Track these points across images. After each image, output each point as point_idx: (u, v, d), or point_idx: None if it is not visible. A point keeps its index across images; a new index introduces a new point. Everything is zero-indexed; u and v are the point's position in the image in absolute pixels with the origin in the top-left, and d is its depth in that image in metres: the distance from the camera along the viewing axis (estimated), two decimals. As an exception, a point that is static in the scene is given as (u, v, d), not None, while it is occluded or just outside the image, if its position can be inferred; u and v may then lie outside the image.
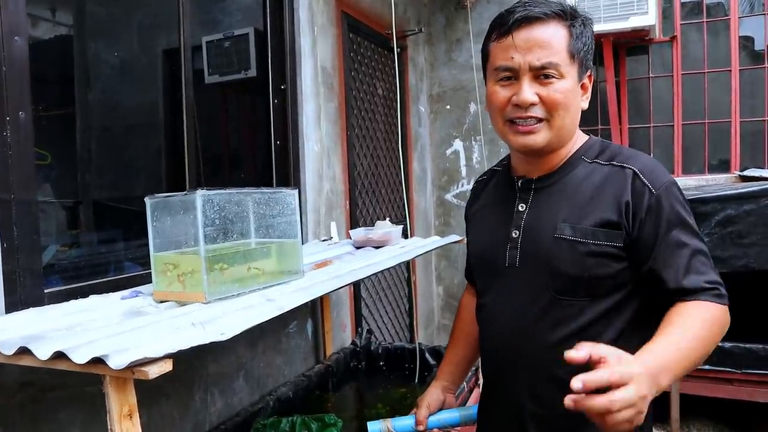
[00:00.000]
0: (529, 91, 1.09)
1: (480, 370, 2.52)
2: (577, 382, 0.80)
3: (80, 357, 0.88)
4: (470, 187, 4.25)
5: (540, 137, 1.12)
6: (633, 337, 1.11)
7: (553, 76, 1.09)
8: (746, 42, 3.89)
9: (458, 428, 1.46)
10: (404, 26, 3.80)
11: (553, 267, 1.12)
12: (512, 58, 1.09)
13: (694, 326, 1.00)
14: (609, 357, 0.84)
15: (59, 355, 0.91)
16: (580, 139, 1.21)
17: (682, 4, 3.89)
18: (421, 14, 4.18)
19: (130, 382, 0.87)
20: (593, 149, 1.18)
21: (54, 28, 2.29)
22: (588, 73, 1.16)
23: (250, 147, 2.95)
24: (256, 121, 2.78)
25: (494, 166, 1.39)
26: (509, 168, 1.28)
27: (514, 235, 1.18)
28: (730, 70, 3.80)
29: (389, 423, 1.35)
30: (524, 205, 1.19)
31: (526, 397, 1.16)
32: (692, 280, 1.05)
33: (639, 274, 1.10)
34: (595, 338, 1.09)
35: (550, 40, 1.08)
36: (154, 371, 0.84)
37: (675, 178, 1.15)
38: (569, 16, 1.11)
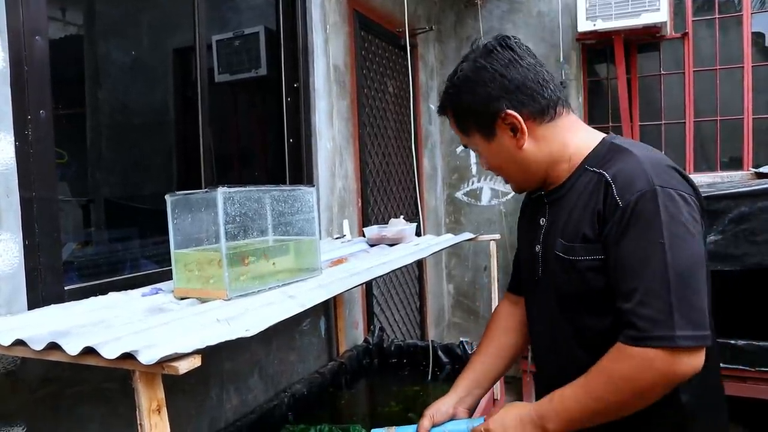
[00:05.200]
0: (481, 163, 1.25)
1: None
2: None
3: (110, 352, 0.88)
4: (480, 185, 4.31)
5: (513, 188, 1.23)
6: None
7: (475, 150, 1.19)
8: (757, 38, 3.87)
9: None
10: (414, 24, 3.80)
11: (554, 283, 1.12)
12: None
13: (595, 382, 0.99)
14: None
15: (88, 351, 0.91)
16: (587, 145, 1.12)
17: (693, 1, 3.87)
18: (431, 12, 4.17)
19: (158, 378, 0.87)
20: (599, 154, 1.09)
21: (65, 27, 2.30)
22: (499, 118, 1.09)
23: (262, 145, 2.96)
24: (268, 119, 2.79)
25: None
26: None
27: (537, 249, 1.18)
28: (743, 67, 3.78)
29: (393, 431, 1.30)
30: (544, 219, 1.17)
31: None
32: (623, 307, 0.96)
33: None
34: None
35: (452, 128, 1.21)
36: (183, 366, 0.84)
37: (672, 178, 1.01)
38: (446, 102, 1.17)
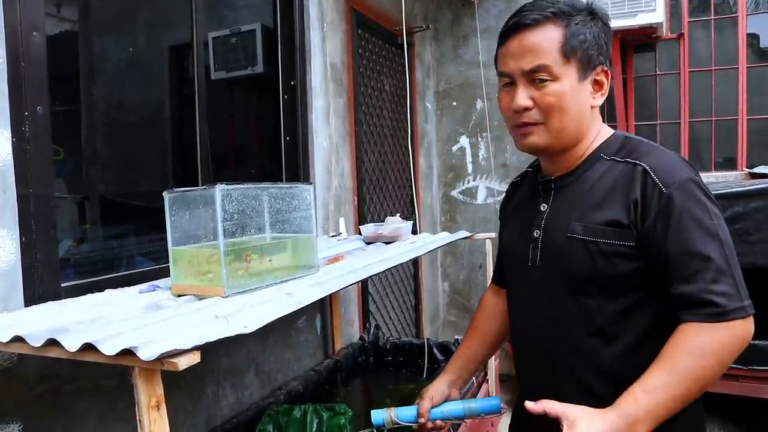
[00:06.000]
0: (522, 96, 1.11)
1: (488, 365, 2.55)
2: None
3: (109, 348, 0.89)
4: (476, 183, 4.32)
5: (537, 139, 1.14)
6: (657, 339, 1.06)
7: (546, 79, 1.09)
8: (752, 39, 3.89)
9: (462, 421, 1.47)
10: (411, 23, 3.80)
11: (566, 266, 1.12)
12: (508, 64, 1.13)
13: (682, 363, 0.98)
14: (565, 418, 0.94)
15: (88, 347, 0.91)
16: (602, 134, 1.19)
17: (689, 1, 3.89)
18: (428, 10, 4.18)
19: (158, 374, 0.87)
20: (614, 145, 1.16)
21: (62, 23, 2.29)
22: (599, 69, 1.14)
23: (257, 143, 2.95)
24: (264, 116, 2.78)
25: (528, 167, 1.39)
26: (538, 169, 1.30)
27: (535, 234, 1.19)
28: (738, 68, 3.80)
29: (393, 412, 1.37)
30: (545, 205, 1.20)
31: (549, 393, 1.17)
32: (691, 289, 1.01)
33: (654, 276, 1.07)
34: (614, 338, 1.10)
35: (540, 43, 1.09)
36: (183, 363, 0.85)
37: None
38: (565, 15, 1.10)
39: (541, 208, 1.20)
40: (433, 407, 1.36)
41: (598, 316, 1.11)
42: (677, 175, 1.05)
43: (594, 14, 1.14)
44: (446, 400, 1.40)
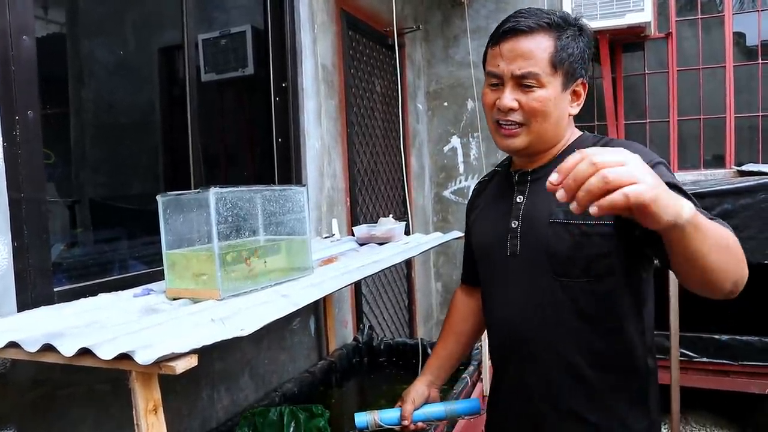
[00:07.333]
0: (509, 98, 1.17)
1: (482, 364, 2.56)
2: (553, 175, 0.81)
3: (106, 353, 0.88)
4: (468, 183, 4.33)
5: (519, 141, 1.20)
6: (637, 321, 1.17)
7: (533, 86, 1.16)
8: (738, 38, 3.94)
9: (443, 422, 1.53)
10: (402, 24, 3.81)
11: (550, 250, 1.17)
12: (498, 65, 1.18)
13: (714, 229, 0.90)
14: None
15: (84, 352, 0.91)
16: (574, 135, 1.28)
17: (677, 1, 3.93)
18: (417, 11, 4.18)
19: (155, 378, 0.88)
20: (587, 142, 1.25)
21: (54, 26, 2.28)
22: (579, 81, 1.21)
23: (249, 145, 2.95)
24: (255, 118, 2.78)
25: (496, 166, 1.45)
26: (509, 166, 1.36)
27: (513, 225, 1.24)
28: (725, 66, 3.84)
29: (376, 415, 1.40)
30: (522, 197, 1.25)
31: (536, 378, 1.21)
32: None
33: (634, 245, 1.09)
34: (599, 320, 1.16)
35: (532, 51, 1.15)
36: (180, 366, 0.85)
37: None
38: (557, 27, 1.17)
39: (518, 200, 1.26)
40: (415, 409, 1.40)
41: (582, 298, 1.16)
42: (653, 157, 1.13)
43: (582, 30, 1.21)
44: (426, 400, 1.44)
